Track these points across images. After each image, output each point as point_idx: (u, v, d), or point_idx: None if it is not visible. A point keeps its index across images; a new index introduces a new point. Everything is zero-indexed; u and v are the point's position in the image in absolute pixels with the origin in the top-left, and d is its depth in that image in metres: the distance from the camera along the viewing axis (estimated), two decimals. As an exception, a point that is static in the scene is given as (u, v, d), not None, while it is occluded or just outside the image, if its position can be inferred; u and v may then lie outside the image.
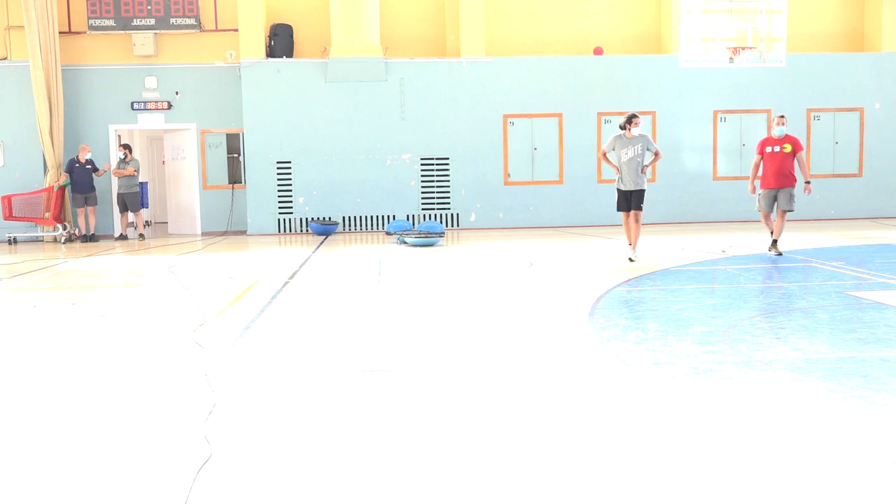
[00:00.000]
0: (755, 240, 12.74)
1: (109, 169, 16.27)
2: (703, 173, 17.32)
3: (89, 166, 15.98)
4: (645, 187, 10.39)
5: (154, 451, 3.67)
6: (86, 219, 16.01)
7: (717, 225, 16.46)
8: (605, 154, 10.70)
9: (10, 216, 15.71)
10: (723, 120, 17.24)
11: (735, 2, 13.95)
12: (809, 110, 17.37)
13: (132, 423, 4.13)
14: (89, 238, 15.91)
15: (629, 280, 8.77)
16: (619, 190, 10.44)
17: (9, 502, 3.15)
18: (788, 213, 10.61)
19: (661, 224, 16.94)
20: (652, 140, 10.45)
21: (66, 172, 15.88)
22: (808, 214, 17.31)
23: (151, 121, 17.03)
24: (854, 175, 17.49)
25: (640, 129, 10.31)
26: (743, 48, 13.78)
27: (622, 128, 10.34)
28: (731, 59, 13.93)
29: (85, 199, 15.95)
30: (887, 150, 17.48)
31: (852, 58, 17.53)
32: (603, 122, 17.04)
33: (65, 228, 15.96)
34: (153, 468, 3.46)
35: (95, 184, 16.07)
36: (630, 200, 10.40)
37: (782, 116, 10.90)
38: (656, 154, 10.43)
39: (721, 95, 17.18)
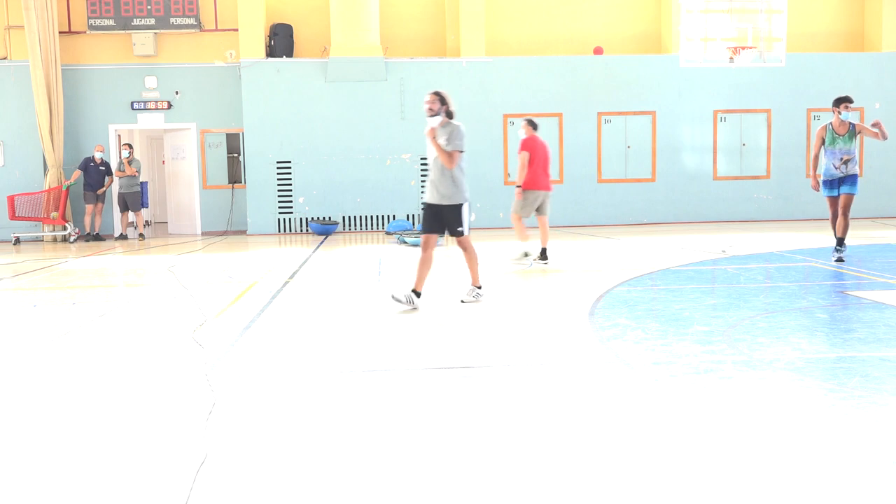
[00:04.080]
0: (755, 240, 12.74)
1: (117, 177, 16.26)
2: (703, 173, 17.32)
3: (103, 167, 16.02)
4: (461, 201, 7.39)
5: (154, 451, 3.67)
6: (92, 218, 16.03)
7: (717, 225, 16.46)
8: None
9: (13, 216, 15.72)
10: (723, 120, 17.24)
11: (735, 2, 13.95)
12: (809, 110, 17.36)
13: (132, 422, 4.13)
14: (94, 237, 15.95)
15: (629, 280, 8.77)
16: (424, 204, 7.58)
17: (9, 502, 3.15)
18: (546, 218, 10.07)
19: (661, 224, 16.94)
20: (461, 134, 7.31)
21: (80, 170, 15.90)
22: (808, 214, 17.32)
23: (151, 121, 17.02)
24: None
25: (441, 115, 7.42)
26: (743, 48, 13.78)
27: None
28: (731, 58, 13.92)
29: (97, 198, 16.00)
30: (887, 150, 17.45)
31: (852, 58, 17.53)
32: (603, 121, 17.04)
33: (67, 228, 15.98)
34: (153, 468, 3.46)
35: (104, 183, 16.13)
36: (441, 220, 7.42)
37: (525, 119, 9.99)
38: (450, 155, 7.25)
39: (721, 95, 17.18)
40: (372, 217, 16.78)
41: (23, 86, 16.31)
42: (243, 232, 16.87)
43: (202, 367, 5.20)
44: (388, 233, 15.84)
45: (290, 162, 16.58)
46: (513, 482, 3.23)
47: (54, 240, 16.13)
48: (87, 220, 15.98)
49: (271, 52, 16.61)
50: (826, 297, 7.41)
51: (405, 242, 13.55)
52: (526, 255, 10.07)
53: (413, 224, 16.53)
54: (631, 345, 5.58)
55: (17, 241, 15.77)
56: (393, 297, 7.25)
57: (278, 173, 16.59)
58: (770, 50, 14.04)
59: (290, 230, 16.69)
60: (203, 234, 17.08)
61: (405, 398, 4.49)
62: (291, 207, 16.67)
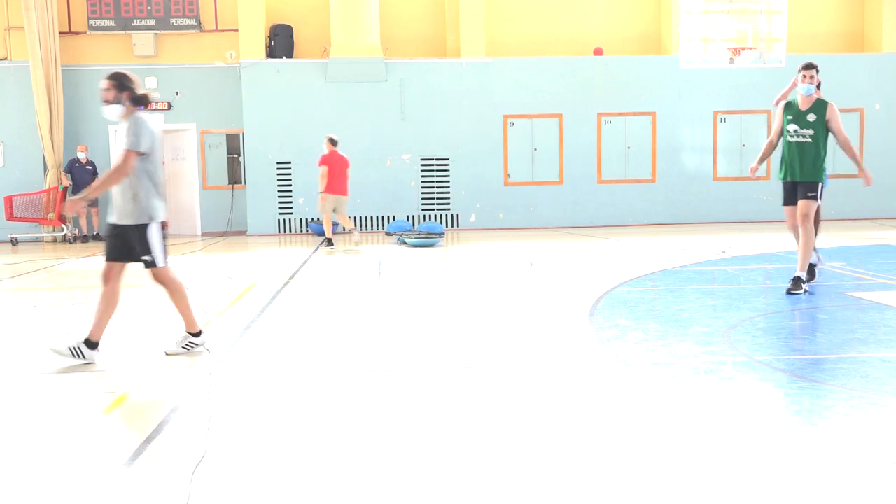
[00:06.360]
0: (755, 240, 12.74)
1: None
2: (703, 173, 17.32)
3: (89, 166, 16.01)
4: (145, 220, 5.47)
5: (154, 451, 3.67)
6: (88, 219, 16.03)
7: (717, 225, 16.46)
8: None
9: (11, 217, 15.71)
10: (723, 120, 17.24)
11: (735, 2, 13.95)
12: (809, 111, 17.34)
13: (133, 422, 4.13)
14: (94, 237, 15.96)
15: (629, 280, 8.77)
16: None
17: (9, 502, 3.15)
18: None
19: (661, 225, 16.94)
20: (140, 129, 5.90)
21: (66, 172, 15.88)
22: (808, 215, 17.31)
23: (151, 121, 16.98)
24: (854, 175, 17.40)
25: (122, 104, 5.98)
26: (743, 49, 13.79)
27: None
28: (731, 59, 13.93)
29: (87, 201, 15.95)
30: (887, 150, 17.46)
31: (852, 58, 17.53)
32: (603, 122, 17.03)
33: (65, 229, 15.98)
34: (153, 467, 3.46)
35: None
36: (126, 244, 5.54)
37: (327, 137, 12.82)
38: (122, 155, 5.68)
39: (721, 96, 17.18)
40: (372, 217, 16.77)
41: (23, 86, 16.30)
42: (243, 232, 16.87)
43: (202, 366, 5.20)
44: (387, 233, 15.83)
45: (289, 162, 16.58)
46: (513, 482, 3.23)
47: (54, 240, 16.12)
48: (83, 221, 15.97)
49: (271, 52, 16.61)
50: (826, 298, 7.41)
51: (405, 243, 13.55)
52: (330, 243, 13.07)
53: (413, 225, 16.54)
54: (631, 345, 5.58)
55: (16, 241, 15.77)
56: (53, 349, 5.48)
57: (278, 174, 16.58)
58: (770, 51, 14.05)
59: (290, 231, 16.69)
60: (203, 234, 17.07)
61: (405, 398, 4.49)
62: (291, 208, 16.67)
